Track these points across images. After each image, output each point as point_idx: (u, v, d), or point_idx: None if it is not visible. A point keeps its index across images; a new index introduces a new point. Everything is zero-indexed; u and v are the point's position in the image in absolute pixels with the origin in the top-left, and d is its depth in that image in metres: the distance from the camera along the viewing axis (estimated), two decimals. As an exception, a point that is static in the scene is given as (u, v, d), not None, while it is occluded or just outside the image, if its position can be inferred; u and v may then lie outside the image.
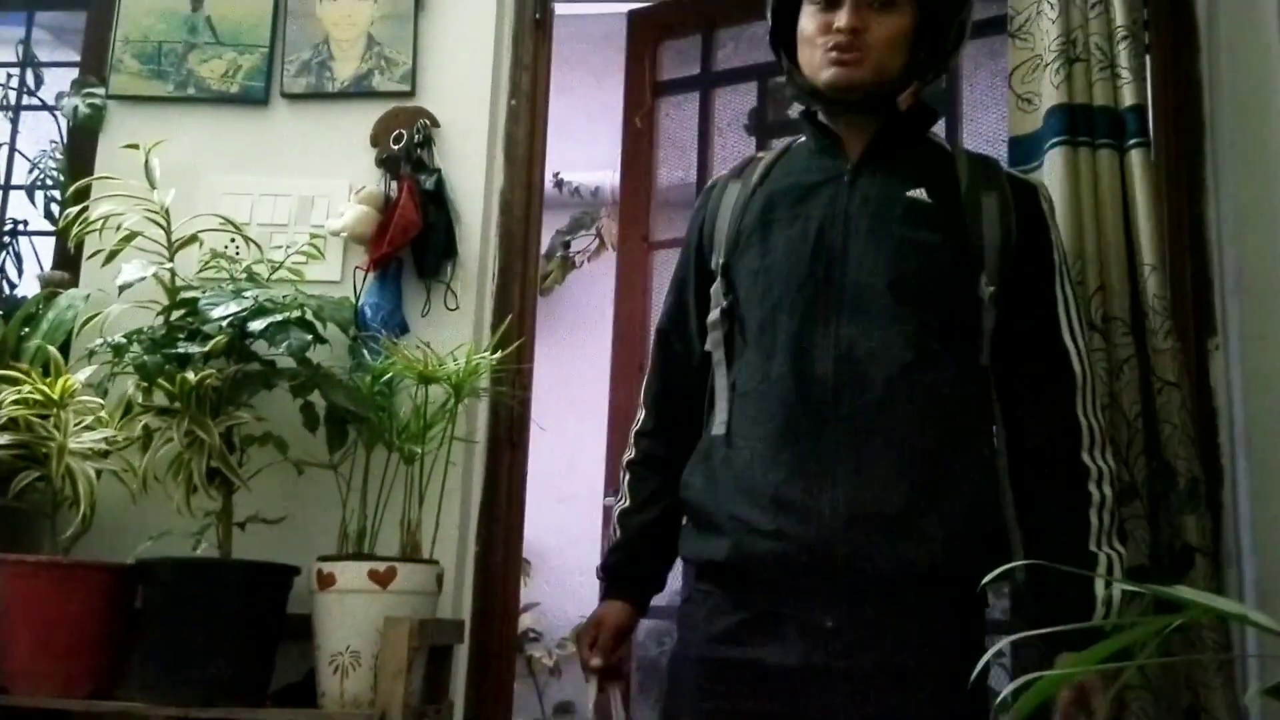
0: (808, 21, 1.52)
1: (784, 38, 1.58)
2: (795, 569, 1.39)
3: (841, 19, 1.46)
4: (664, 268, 2.71)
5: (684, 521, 1.57)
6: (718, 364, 1.54)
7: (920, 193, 1.47)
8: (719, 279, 1.55)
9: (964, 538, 1.39)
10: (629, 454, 1.68)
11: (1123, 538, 1.45)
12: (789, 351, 1.44)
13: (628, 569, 1.64)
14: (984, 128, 2.61)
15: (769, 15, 1.60)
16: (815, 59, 1.49)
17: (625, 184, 2.96)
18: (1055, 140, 1.90)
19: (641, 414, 1.69)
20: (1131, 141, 1.88)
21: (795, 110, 1.69)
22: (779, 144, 1.69)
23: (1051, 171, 1.88)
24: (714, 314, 1.55)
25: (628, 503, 1.65)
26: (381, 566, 1.71)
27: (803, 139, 1.62)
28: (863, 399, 1.40)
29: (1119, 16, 1.93)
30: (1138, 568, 1.73)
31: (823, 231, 1.47)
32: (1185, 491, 1.76)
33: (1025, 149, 1.98)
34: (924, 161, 1.53)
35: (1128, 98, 1.90)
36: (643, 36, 2.92)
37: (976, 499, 1.43)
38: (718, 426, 1.50)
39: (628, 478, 1.66)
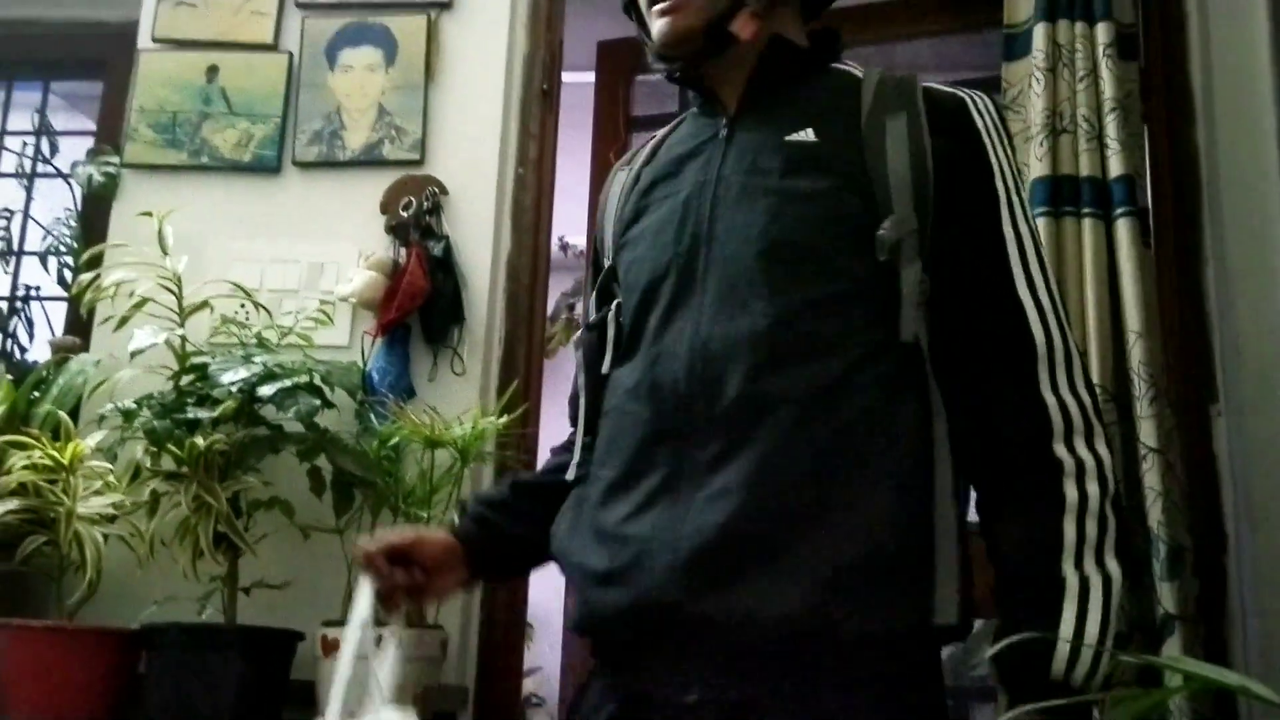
0: None
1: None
2: (645, 628, 1.07)
3: None
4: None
5: None
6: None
7: (805, 134, 1.15)
8: (597, 286, 1.29)
9: (855, 574, 1.02)
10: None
11: (1124, 550, 1.06)
12: (647, 356, 1.15)
13: (470, 505, 1.34)
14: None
15: None
16: (647, 15, 1.23)
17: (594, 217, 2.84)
18: (1038, 211, 1.95)
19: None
20: (1119, 211, 1.92)
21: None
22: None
23: None
24: (587, 331, 1.29)
25: None
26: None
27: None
28: (717, 406, 1.08)
29: (1108, 89, 1.98)
30: (1116, 634, 1.73)
31: (689, 204, 1.18)
32: (1167, 559, 1.76)
33: (1010, 219, 2.03)
34: (820, 97, 1.20)
35: (1115, 168, 1.94)
36: (613, 68, 2.86)
37: (881, 520, 1.04)
38: (586, 464, 1.23)
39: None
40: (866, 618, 1.01)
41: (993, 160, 1.15)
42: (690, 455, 1.08)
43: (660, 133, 1.36)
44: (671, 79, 1.29)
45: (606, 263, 1.29)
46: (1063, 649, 1.01)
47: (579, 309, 4.40)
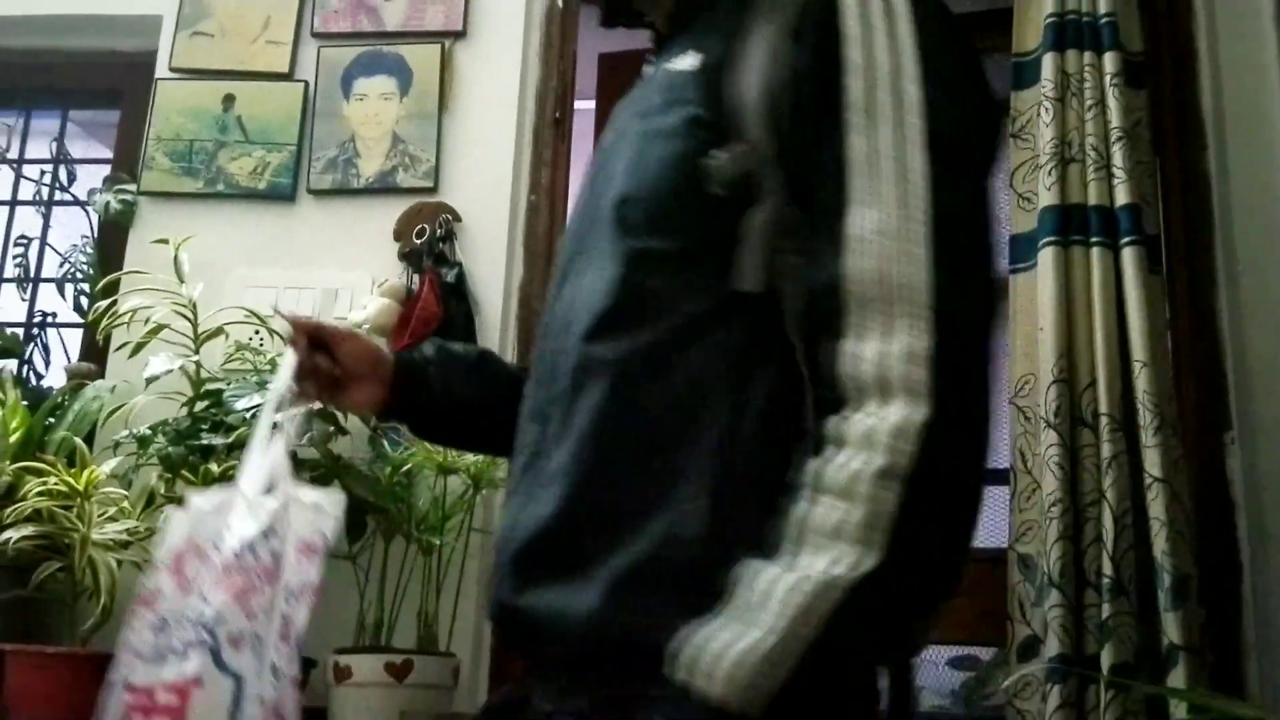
0: None
1: None
2: (501, 628, 0.99)
3: None
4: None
5: None
6: None
7: (688, 60, 0.97)
8: None
9: (654, 577, 0.84)
10: None
11: (899, 548, 0.75)
12: (540, 327, 1.06)
13: (433, 345, 1.26)
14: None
15: None
16: None
17: None
18: (1047, 240, 1.95)
19: None
20: (1126, 239, 1.92)
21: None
22: None
23: (1044, 270, 1.93)
24: None
25: None
26: (398, 659, 1.71)
27: None
28: (559, 378, 0.95)
29: (1115, 118, 1.98)
30: (1122, 665, 1.72)
31: (604, 155, 1.05)
32: (1171, 588, 1.75)
33: (1022, 247, 2.04)
34: (735, 17, 0.97)
35: (1121, 196, 1.94)
36: (615, 84, 2.90)
37: (697, 517, 0.85)
38: None
39: None
40: (662, 629, 0.80)
41: (850, 53, 0.86)
42: (545, 433, 0.96)
43: None
44: (607, 23, 1.15)
45: None
46: (689, 651, 0.77)
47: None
